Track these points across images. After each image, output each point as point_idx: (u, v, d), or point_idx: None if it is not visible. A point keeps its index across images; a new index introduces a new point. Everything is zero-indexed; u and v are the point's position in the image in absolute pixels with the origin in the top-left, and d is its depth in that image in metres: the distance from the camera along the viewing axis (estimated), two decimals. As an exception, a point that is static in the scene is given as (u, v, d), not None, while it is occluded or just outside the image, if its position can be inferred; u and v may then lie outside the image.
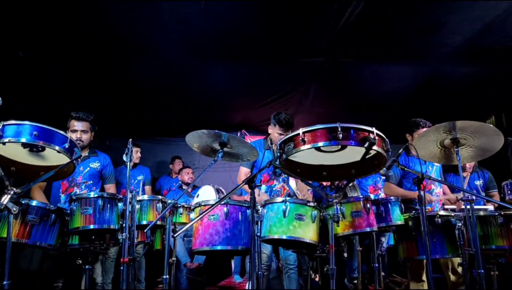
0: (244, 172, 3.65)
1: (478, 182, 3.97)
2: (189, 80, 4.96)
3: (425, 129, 3.42)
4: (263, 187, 3.51)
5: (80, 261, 2.76)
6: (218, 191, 4.08)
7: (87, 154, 3.49)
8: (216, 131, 2.48)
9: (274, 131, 3.47)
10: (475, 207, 2.72)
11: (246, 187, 2.72)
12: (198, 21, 3.77)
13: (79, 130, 3.36)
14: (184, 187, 5.46)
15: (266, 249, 3.35)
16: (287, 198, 2.52)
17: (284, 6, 3.60)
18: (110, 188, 3.67)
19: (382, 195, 5.15)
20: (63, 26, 3.77)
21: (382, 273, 3.85)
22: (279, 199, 2.54)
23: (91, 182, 3.48)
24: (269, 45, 4.25)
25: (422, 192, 2.36)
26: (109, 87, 5.03)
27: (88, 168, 3.46)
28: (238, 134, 7.09)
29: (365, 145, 2.05)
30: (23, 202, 2.47)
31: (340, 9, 3.62)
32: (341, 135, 2.04)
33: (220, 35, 3.99)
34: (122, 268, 2.38)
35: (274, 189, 3.55)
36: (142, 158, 5.75)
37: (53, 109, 4.73)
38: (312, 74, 4.84)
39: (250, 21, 3.83)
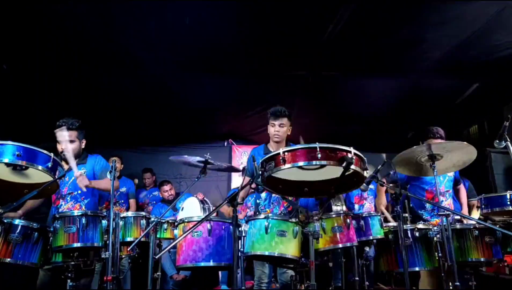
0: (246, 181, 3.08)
1: None
2: (176, 92, 5.00)
3: (438, 140, 3.38)
4: (263, 195, 3.26)
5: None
6: (202, 202, 4.11)
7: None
8: (198, 158, 2.53)
9: (269, 125, 3.31)
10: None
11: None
12: (184, 37, 3.82)
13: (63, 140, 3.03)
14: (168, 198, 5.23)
15: (264, 266, 3.25)
16: (269, 215, 2.57)
17: (269, 21, 3.70)
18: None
19: (367, 205, 5.24)
20: (48, 40, 3.78)
21: (367, 282, 3.91)
22: (262, 215, 2.59)
23: (79, 192, 3.18)
24: (254, 60, 4.33)
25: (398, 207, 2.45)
26: (96, 99, 5.03)
27: (73, 178, 3.07)
28: (225, 143, 7.13)
29: (343, 165, 2.12)
30: (5, 221, 2.47)
31: (323, 25, 3.73)
32: (319, 155, 2.11)
33: (206, 50, 4.05)
34: (105, 285, 2.39)
35: (273, 195, 3.28)
36: (128, 169, 5.73)
37: (37, 121, 4.72)
38: (296, 87, 4.93)
39: (235, 36, 3.90)
